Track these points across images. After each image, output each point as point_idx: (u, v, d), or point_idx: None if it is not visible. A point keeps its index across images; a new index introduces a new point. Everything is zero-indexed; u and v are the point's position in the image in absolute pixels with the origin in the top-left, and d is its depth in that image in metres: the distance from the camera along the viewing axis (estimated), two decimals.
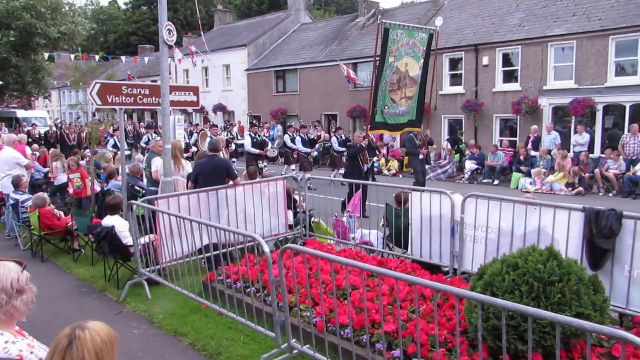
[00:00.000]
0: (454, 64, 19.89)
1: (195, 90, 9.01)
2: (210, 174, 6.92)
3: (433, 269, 5.97)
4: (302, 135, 15.58)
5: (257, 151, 13.72)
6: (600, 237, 4.64)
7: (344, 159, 15.15)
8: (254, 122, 21.23)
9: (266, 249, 4.17)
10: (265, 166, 14.35)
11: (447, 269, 5.95)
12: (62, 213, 8.43)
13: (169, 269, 6.06)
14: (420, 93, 10.29)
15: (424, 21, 22.51)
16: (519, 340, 3.60)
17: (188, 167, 8.02)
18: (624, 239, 4.62)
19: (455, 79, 19.87)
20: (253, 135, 14.10)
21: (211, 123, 23.29)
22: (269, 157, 15.51)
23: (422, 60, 10.07)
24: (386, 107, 9.67)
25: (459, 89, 19.56)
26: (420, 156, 11.65)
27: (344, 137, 16.00)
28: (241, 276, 5.45)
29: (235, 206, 7.06)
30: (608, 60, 15.90)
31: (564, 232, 4.93)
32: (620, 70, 15.99)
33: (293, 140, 15.75)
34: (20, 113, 29.27)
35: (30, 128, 25.52)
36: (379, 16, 9.17)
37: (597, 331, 2.53)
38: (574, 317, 3.36)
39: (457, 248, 5.76)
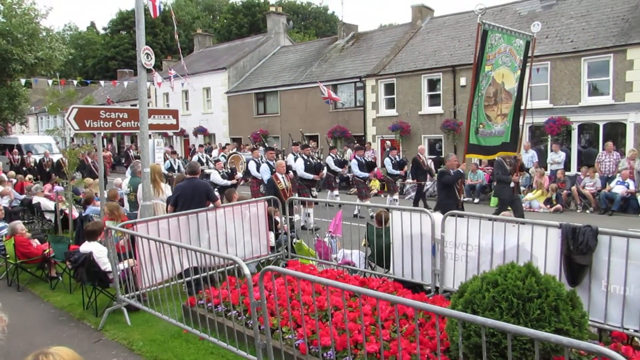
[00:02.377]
0: (433, 84, 20.25)
1: (174, 113, 9.01)
2: (191, 197, 6.88)
3: (415, 288, 5.98)
4: (359, 158, 13.01)
5: (311, 176, 11.91)
6: (578, 253, 4.71)
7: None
8: (305, 142, 18.11)
9: (246, 271, 4.14)
10: (316, 195, 12.53)
11: (429, 287, 5.96)
12: (37, 240, 8.25)
13: (149, 295, 5.95)
14: (515, 110, 8.86)
15: (402, 43, 22.97)
16: (500, 358, 3.61)
17: (168, 190, 7.96)
18: (600, 254, 4.69)
19: (434, 100, 20.20)
20: (306, 157, 12.14)
21: (268, 145, 20.10)
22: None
23: (518, 72, 8.74)
24: (481, 125, 8.25)
25: (437, 109, 19.88)
26: (512, 184, 9.77)
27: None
28: (222, 300, 5.39)
29: (216, 229, 7.01)
30: (581, 80, 16.36)
31: (542, 249, 5.00)
32: (593, 90, 16.45)
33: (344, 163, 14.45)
34: (23, 139, 27.26)
35: (25, 155, 23.95)
36: (480, 15, 8.10)
37: (575, 346, 2.56)
38: (554, 333, 3.39)
39: (438, 266, 5.78)
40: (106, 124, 7.98)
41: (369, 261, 6.98)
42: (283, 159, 14.09)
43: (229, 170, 12.91)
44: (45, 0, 54.62)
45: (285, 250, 7.82)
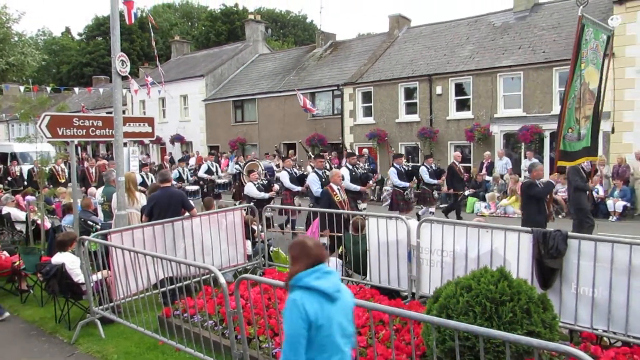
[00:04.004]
0: (409, 93, 20.50)
1: (150, 121, 8.92)
2: (166, 206, 6.81)
3: (392, 294, 6.02)
4: (398, 167, 11.63)
5: (357, 187, 10.43)
6: (548, 257, 4.82)
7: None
8: (345, 148, 16.53)
9: (222, 280, 4.12)
10: (364, 208, 10.87)
11: (405, 293, 6.01)
12: (6, 252, 8.03)
13: (124, 306, 5.87)
14: (595, 110, 8.13)
15: (379, 52, 23.23)
16: None
17: (143, 199, 7.87)
18: (570, 258, 4.82)
19: (411, 108, 20.44)
20: (351, 167, 10.82)
21: (314, 153, 18.23)
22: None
23: (600, 69, 8.06)
24: (570, 130, 7.61)
25: (414, 117, 20.12)
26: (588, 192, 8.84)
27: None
28: (198, 310, 5.34)
29: (192, 238, 6.95)
30: (553, 90, 16.78)
31: (514, 254, 5.10)
32: None
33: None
34: (18, 147, 25.10)
35: (10, 164, 22.43)
36: (581, 7, 7.25)
37: (544, 347, 2.62)
38: (525, 335, 3.45)
39: (414, 272, 5.84)
40: (80, 132, 7.85)
41: (346, 268, 7.01)
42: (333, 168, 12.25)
43: (266, 182, 11.49)
44: (17, 4, 53.60)
45: (263, 259, 7.79)
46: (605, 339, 4.82)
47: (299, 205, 11.84)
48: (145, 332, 5.32)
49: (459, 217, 12.38)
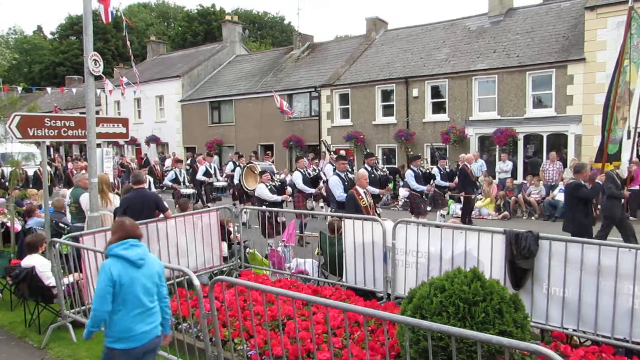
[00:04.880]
0: (386, 95, 20.66)
1: (124, 121, 8.77)
2: (140, 208, 6.71)
3: (368, 295, 6.05)
4: (415, 169, 11.20)
5: (376, 190, 9.66)
6: (520, 257, 4.90)
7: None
8: (367, 150, 15.65)
9: (196, 282, 4.08)
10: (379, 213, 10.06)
11: (381, 294, 6.04)
12: None
13: None
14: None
15: (356, 54, 23.35)
16: None
17: (116, 201, 7.74)
18: (541, 258, 4.91)
19: (388, 110, 20.60)
20: (370, 168, 10.27)
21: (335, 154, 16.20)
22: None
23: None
24: (613, 130, 7.24)
25: (391, 120, 20.28)
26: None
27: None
28: (172, 312, 5.27)
29: (166, 240, 6.86)
30: (526, 93, 17.13)
31: (488, 254, 5.18)
32: (538, 103, 17.24)
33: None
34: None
35: None
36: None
37: (515, 346, 2.67)
38: (498, 335, 3.51)
39: (389, 273, 5.88)
40: (51, 133, 7.67)
41: (322, 270, 7.01)
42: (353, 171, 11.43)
43: (279, 183, 10.62)
44: None
45: (239, 261, 7.74)
46: (575, 338, 4.92)
47: (312, 209, 11.12)
48: None
49: (469, 221, 12.05)
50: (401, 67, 20.63)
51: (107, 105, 31.17)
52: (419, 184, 10.98)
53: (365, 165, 10.31)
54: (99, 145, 8.57)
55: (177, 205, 9.39)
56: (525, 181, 15.84)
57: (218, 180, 14.49)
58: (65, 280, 5.95)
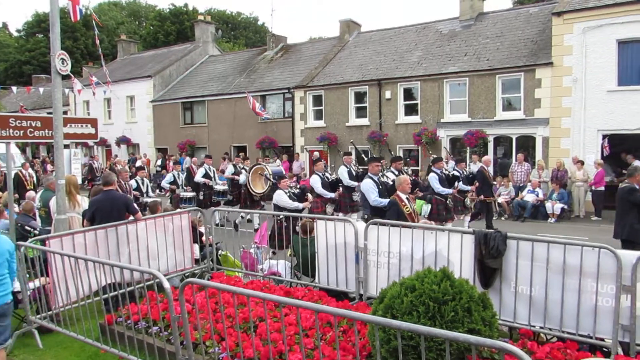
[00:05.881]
0: (359, 97, 20.79)
1: (93, 122, 8.62)
2: (109, 210, 6.58)
3: (340, 296, 6.08)
4: (438, 171, 10.55)
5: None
6: (489, 257, 5.00)
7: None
8: (392, 152, 14.76)
9: (166, 285, 4.03)
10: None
11: (353, 295, 6.08)
12: None
13: (63, 314, 5.62)
14: None
15: (330, 56, 23.42)
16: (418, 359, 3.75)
17: (84, 203, 7.58)
18: (509, 258, 5.02)
19: (361, 112, 20.74)
20: (397, 173, 9.59)
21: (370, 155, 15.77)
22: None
23: None
24: None
25: (364, 121, 20.42)
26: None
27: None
28: (143, 316, 5.20)
29: (137, 243, 6.75)
30: (496, 96, 17.49)
31: (457, 254, 5.26)
32: (507, 106, 17.61)
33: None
34: None
35: None
36: None
37: (482, 344, 2.72)
38: (467, 333, 3.57)
39: (362, 274, 5.91)
40: (17, 133, 7.48)
41: (294, 271, 7.01)
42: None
43: (298, 190, 9.75)
44: None
45: (211, 263, 7.67)
46: (542, 335, 5.04)
47: (332, 214, 10.28)
48: (86, 340, 5.13)
49: (489, 226, 11.52)
50: (374, 69, 20.80)
51: (75, 105, 30.49)
52: (443, 187, 10.24)
53: (392, 169, 9.68)
54: (67, 146, 8.39)
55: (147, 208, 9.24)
56: (495, 182, 16.16)
57: (216, 184, 13.52)
58: (31, 285, 5.79)
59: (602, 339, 4.65)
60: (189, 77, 29.02)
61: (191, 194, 12.91)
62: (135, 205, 7.14)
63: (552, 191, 14.84)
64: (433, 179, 10.36)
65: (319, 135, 20.99)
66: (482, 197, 12.28)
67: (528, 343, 4.54)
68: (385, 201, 8.03)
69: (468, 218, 11.41)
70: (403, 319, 3.74)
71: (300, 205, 9.16)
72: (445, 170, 10.83)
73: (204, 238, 7.94)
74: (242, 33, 53.78)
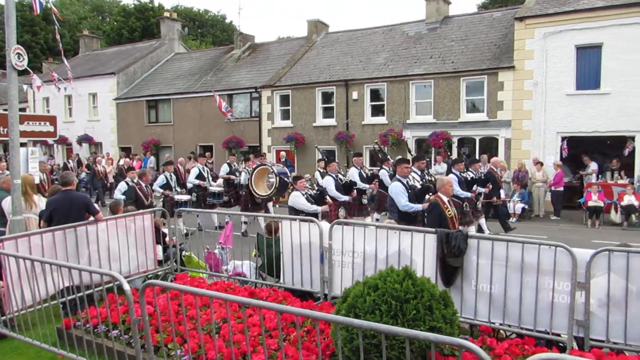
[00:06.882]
0: (327, 97, 20.84)
1: (52, 119, 8.36)
2: (67, 211, 6.37)
3: (305, 296, 6.07)
4: (457, 173, 10.12)
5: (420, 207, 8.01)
6: (451, 256, 5.10)
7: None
8: (411, 152, 13.74)
9: (126, 287, 3.94)
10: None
11: (318, 294, 6.08)
12: None
13: (18, 319, 5.42)
14: None
15: (297, 56, 23.40)
16: (381, 358, 3.78)
17: (42, 203, 7.33)
18: (470, 257, 5.13)
19: (328, 112, 20.79)
20: (420, 172, 9.11)
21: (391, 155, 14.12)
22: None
23: None
24: None
25: (331, 122, 20.49)
26: None
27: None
28: (102, 320, 5.07)
29: (97, 244, 6.57)
30: (460, 98, 17.83)
31: (420, 253, 5.34)
32: (471, 108, 17.99)
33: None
34: None
35: None
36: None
37: (441, 341, 2.76)
38: (428, 331, 3.62)
39: (326, 274, 5.93)
40: None
41: (259, 271, 6.97)
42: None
43: (316, 191, 9.35)
44: None
45: (175, 264, 7.55)
46: (502, 331, 5.17)
47: (344, 218, 9.70)
48: (42, 346, 4.96)
49: (506, 228, 11.29)
50: (341, 70, 20.89)
51: (34, 102, 29.47)
52: (462, 190, 9.68)
53: (415, 169, 9.12)
54: (23, 145, 8.10)
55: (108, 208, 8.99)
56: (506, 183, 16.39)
57: (211, 185, 12.84)
58: None
59: (559, 335, 4.81)
60: (154, 75, 28.47)
61: (186, 197, 12.21)
62: (95, 205, 6.95)
63: (513, 191, 15.23)
64: (452, 181, 9.17)
65: (286, 135, 20.94)
66: (494, 199, 11.80)
67: (488, 340, 4.64)
68: (417, 206, 7.74)
69: (483, 220, 10.85)
70: (366, 318, 3.77)
71: (319, 209, 8.70)
72: (463, 172, 10.32)
73: (167, 239, 7.80)
74: (209, 31, 53.14)
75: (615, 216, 13.80)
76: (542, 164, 15.55)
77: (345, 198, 10.00)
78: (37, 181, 8.35)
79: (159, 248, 7.57)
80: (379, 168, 11.79)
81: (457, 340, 2.68)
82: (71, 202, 6.45)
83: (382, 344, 2.95)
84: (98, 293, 5.28)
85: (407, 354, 2.84)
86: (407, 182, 8.21)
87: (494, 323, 5.07)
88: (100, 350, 4.72)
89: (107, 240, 6.71)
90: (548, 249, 4.80)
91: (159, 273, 7.43)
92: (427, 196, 8.47)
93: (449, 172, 10.92)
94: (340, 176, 10.48)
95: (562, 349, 4.71)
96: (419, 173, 9.22)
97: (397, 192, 7.96)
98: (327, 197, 9.47)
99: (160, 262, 7.57)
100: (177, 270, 7.50)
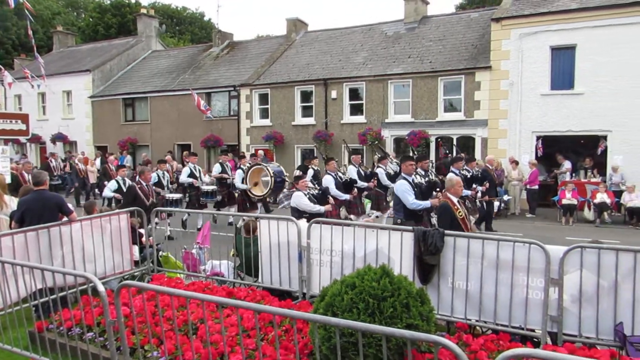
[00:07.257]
0: (306, 96, 20.83)
1: (24, 117, 8.18)
2: (39, 211, 6.23)
3: (284, 295, 6.06)
4: (456, 172, 9.86)
5: (429, 203, 7.84)
6: (428, 253, 5.15)
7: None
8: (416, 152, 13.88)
9: (100, 288, 3.88)
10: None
11: (296, 294, 6.08)
12: None
13: None
14: None
15: (276, 55, 23.32)
16: (358, 356, 3.79)
17: (13, 203, 7.16)
18: (446, 254, 5.19)
19: (307, 111, 20.79)
20: (424, 172, 8.99)
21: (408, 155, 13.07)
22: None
23: None
24: None
25: (310, 120, 20.49)
26: None
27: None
28: (76, 322, 4.98)
29: (71, 245, 6.45)
30: (438, 98, 18.02)
31: (398, 252, 5.38)
32: (449, 107, 18.19)
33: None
34: None
35: None
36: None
37: (416, 338, 2.79)
38: (405, 329, 3.65)
39: (305, 273, 5.93)
40: None
41: (237, 271, 6.93)
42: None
43: (318, 191, 9.10)
44: None
45: (151, 264, 7.46)
46: (477, 328, 5.24)
47: (346, 218, 9.56)
48: (14, 350, 4.84)
49: (488, 227, 11.17)
50: (320, 69, 20.90)
51: (6, 100, 28.74)
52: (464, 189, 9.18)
53: (419, 170, 8.99)
54: None
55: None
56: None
57: (204, 185, 12.54)
58: None
59: (533, 330, 4.90)
60: (131, 73, 28.06)
61: (178, 196, 11.93)
62: (69, 205, 6.82)
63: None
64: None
65: (265, 134, 20.88)
66: (487, 197, 11.66)
67: (464, 336, 4.70)
68: (425, 203, 7.57)
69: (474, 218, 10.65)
70: (343, 317, 3.78)
71: (322, 209, 8.44)
72: (463, 170, 10.22)
73: (143, 239, 7.70)
74: (187, 28, 52.53)
75: (589, 214, 14.12)
76: (517, 163, 15.82)
77: (346, 197, 9.91)
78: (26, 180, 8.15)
79: (135, 248, 7.47)
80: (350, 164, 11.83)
81: (433, 337, 2.70)
82: (43, 202, 6.31)
83: (359, 342, 2.96)
84: (72, 295, 5.19)
85: (384, 352, 2.86)
86: (412, 179, 7.97)
87: (470, 320, 5.13)
88: (75, 353, 4.63)
89: (82, 241, 6.58)
90: (522, 246, 4.88)
91: (136, 274, 7.33)
92: (434, 192, 8.32)
93: (439, 170, 11.01)
94: (339, 175, 10.40)
95: (537, 344, 4.80)
96: (423, 173, 9.16)
97: (404, 190, 7.68)
98: (331, 197, 9.36)
99: (136, 263, 7.47)
100: (154, 270, 7.41)
